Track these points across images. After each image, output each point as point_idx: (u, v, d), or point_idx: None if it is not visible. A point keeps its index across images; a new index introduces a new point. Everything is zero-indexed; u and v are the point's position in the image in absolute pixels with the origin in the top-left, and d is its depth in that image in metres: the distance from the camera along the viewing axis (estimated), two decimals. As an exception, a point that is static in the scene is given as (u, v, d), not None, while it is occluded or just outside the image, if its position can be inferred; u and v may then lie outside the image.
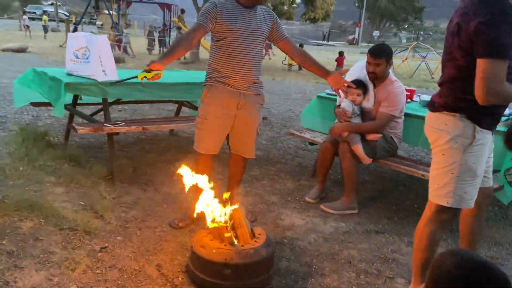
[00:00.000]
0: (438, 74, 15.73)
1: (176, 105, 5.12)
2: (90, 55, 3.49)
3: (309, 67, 2.83)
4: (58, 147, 3.99)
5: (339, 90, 2.78)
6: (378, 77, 3.28)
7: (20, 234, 2.46)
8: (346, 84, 2.76)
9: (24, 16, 22.88)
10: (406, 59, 16.74)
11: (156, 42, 18.69)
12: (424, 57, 17.12)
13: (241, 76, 2.60)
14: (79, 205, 2.93)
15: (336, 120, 3.46)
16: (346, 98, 3.35)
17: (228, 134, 2.79)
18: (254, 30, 2.60)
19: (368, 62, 3.28)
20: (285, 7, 23.67)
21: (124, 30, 16.82)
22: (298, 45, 3.06)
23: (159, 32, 19.53)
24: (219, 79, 2.62)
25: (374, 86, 3.35)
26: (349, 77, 3.48)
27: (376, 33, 58.30)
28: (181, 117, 4.87)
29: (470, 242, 2.35)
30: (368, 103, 3.37)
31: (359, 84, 3.33)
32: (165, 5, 19.99)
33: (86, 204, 2.95)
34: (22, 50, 13.94)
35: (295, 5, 24.59)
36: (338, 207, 3.24)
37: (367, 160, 3.22)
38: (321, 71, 2.79)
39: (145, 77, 2.27)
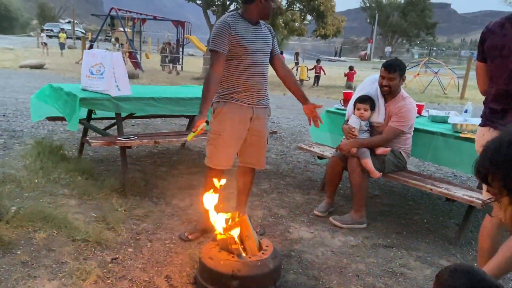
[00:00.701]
0: (450, 90, 15.64)
1: (188, 120, 5.21)
2: (105, 71, 3.60)
3: (291, 87, 2.94)
4: (72, 160, 4.09)
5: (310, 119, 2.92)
6: (391, 91, 3.30)
7: (34, 245, 2.53)
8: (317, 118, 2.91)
9: (42, 34, 23.46)
10: (417, 74, 16.71)
11: (169, 59, 18.97)
12: (436, 73, 17.07)
13: (254, 91, 2.66)
14: (91, 217, 2.99)
15: (344, 136, 3.49)
16: (353, 114, 3.38)
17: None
18: (263, 45, 2.66)
19: (382, 76, 3.30)
20: (297, 24, 23.94)
21: (116, 46, 17.23)
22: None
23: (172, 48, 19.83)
24: (233, 95, 2.65)
25: (385, 101, 3.37)
26: (360, 91, 3.51)
27: (388, 49, 58.37)
28: (192, 131, 4.94)
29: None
30: (378, 118, 3.38)
31: (366, 99, 3.35)
32: (179, 22, 20.38)
33: (98, 216, 3.01)
34: (39, 66, 14.25)
35: (306, 22, 24.85)
36: (347, 221, 3.25)
37: (376, 174, 3.23)
38: (300, 96, 2.92)
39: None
